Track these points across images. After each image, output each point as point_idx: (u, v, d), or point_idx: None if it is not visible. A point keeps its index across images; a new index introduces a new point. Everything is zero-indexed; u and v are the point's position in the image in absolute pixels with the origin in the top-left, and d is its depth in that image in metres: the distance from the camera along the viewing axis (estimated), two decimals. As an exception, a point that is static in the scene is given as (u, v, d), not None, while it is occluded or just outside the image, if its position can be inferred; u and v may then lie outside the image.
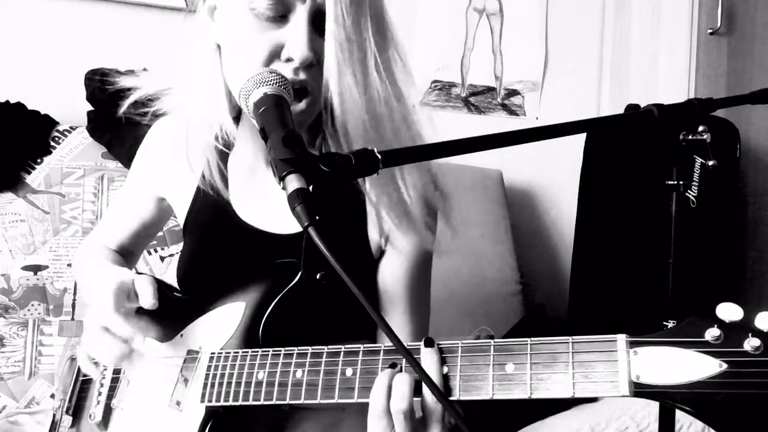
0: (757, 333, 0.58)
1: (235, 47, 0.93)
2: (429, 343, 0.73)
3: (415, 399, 0.73)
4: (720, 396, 0.58)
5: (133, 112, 1.06)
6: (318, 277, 0.91)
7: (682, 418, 1.41)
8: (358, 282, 0.62)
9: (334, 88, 0.88)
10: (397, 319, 1.02)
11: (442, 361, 0.73)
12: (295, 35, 0.87)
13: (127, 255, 1.23)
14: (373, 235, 1.00)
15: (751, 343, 0.58)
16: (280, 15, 0.88)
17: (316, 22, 0.88)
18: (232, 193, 1.06)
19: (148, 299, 0.90)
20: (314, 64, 0.89)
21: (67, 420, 1.09)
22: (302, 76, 0.88)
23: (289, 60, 0.88)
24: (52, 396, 1.68)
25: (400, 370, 0.75)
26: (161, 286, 1.13)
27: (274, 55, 0.89)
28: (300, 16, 0.87)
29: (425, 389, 0.73)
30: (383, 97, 0.91)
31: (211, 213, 1.07)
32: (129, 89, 1.04)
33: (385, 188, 0.95)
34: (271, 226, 1.02)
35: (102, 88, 1.78)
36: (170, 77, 1.04)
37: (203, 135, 1.02)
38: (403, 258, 1.01)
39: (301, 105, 0.90)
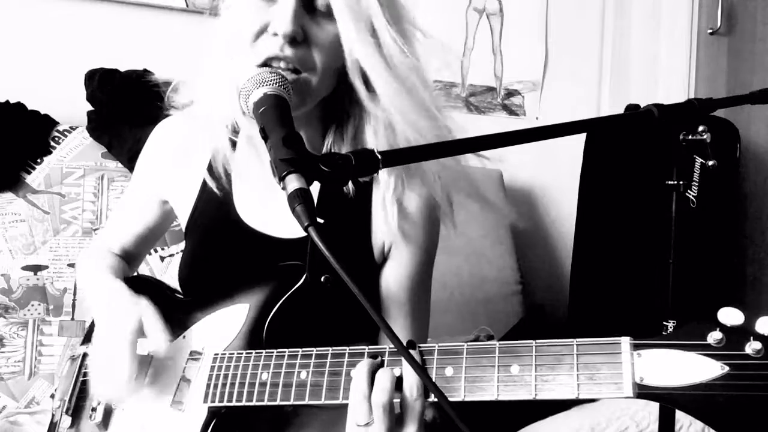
0: (759, 337, 0.59)
1: (231, 30, 0.94)
2: (411, 345, 0.75)
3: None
4: (722, 398, 0.59)
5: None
6: (323, 279, 0.91)
7: (682, 418, 1.41)
8: (360, 284, 0.62)
9: (360, 52, 0.89)
10: (399, 323, 1.03)
11: (425, 362, 0.74)
12: (280, 11, 0.88)
13: (130, 259, 1.22)
14: (377, 240, 1.01)
15: (752, 347, 0.58)
16: None
17: (307, 2, 0.89)
18: (235, 195, 1.06)
19: (159, 345, 0.92)
20: (300, 42, 0.89)
21: (67, 420, 1.09)
22: (288, 52, 0.88)
23: (275, 35, 0.89)
24: (52, 396, 1.68)
25: (381, 363, 0.76)
26: (162, 287, 1.13)
27: (263, 30, 0.90)
28: None
29: (405, 387, 0.74)
30: (404, 64, 0.92)
31: (213, 215, 1.06)
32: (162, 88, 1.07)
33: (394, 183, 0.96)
34: (274, 229, 1.02)
35: (104, 87, 1.79)
36: (185, 77, 1.05)
37: (214, 133, 1.03)
38: (406, 264, 1.02)
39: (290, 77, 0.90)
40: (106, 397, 0.98)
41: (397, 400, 0.75)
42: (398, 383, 0.75)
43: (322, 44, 0.91)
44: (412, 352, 0.74)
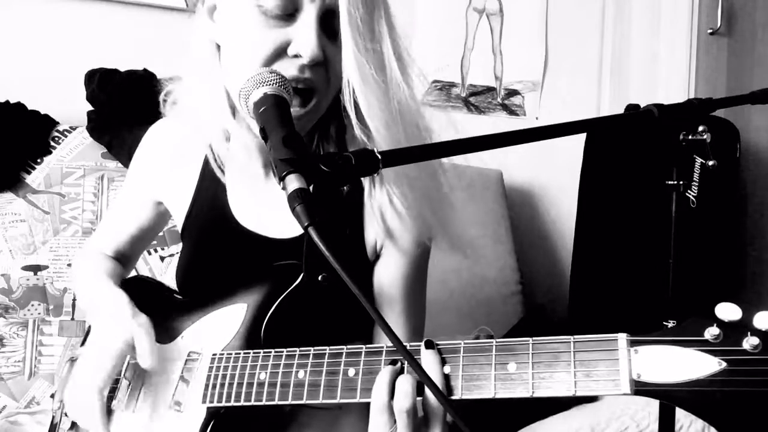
0: (756, 332, 0.59)
1: (239, 45, 0.92)
2: (429, 345, 0.74)
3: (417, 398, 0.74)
4: (719, 394, 0.59)
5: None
6: (320, 278, 0.91)
7: (682, 418, 1.41)
8: (359, 283, 0.62)
9: (358, 83, 0.88)
10: (393, 320, 1.02)
11: (444, 361, 0.73)
12: (304, 32, 0.87)
13: (125, 260, 1.22)
14: (370, 238, 1.00)
15: (750, 342, 0.58)
16: (288, 13, 0.87)
17: (324, 21, 0.88)
18: (230, 197, 1.06)
19: (146, 361, 0.93)
20: (321, 64, 0.89)
21: (67, 422, 1.09)
22: (308, 74, 0.88)
23: (296, 56, 0.87)
24: (52, 396, 1.68)
25: (401, 368, 0.75)
26: (161, 288, 1.13)
27: (281, 51, 0.88)
28: (309, 14, 0.87)
29: (427, 389, 0.73)
30: (403, 89, 0.91)
31: (209, 217, 1.06)
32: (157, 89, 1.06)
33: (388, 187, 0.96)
34: (269, 230, 1.02)
35: (104, 87, 1.79)
36: (173, 78, 1.04)
37: (207, 136, 1.02)
38: (399, 260, 1.01)
39: (308, 107, 0.90)
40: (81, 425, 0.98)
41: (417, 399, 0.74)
42: (419, 383, 0.74)
43: (335, 64, 0.90)
44: (431, 351, 0.74)
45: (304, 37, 0.87)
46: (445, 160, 0.96)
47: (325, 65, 0.89)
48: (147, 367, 0.93)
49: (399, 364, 0.76)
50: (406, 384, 0.73)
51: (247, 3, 0.88)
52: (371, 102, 0.89)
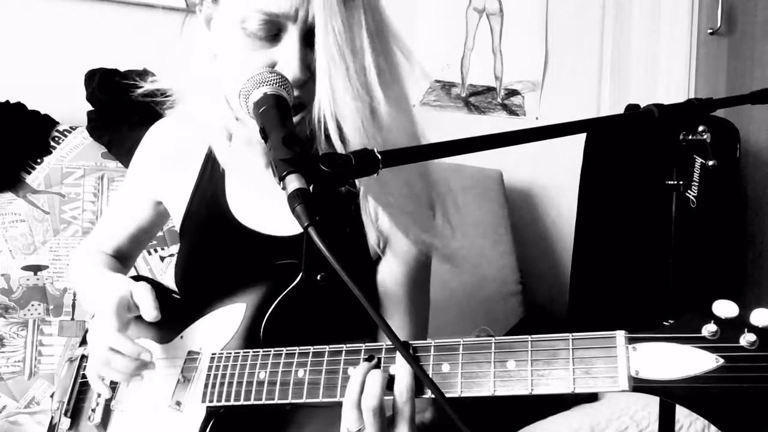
0: (753, 329, 0.59)
1: (228, 62, 0.92)
2: (404, 345, 0.73)
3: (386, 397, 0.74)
4: (717, 390, 0.59)
5: (149, 100, 1.06)
6: (319, 278, 0.91)
7: (681, 418, 1.41)
8: (359, 283, 0.62)
9: (327, 105, 0.87)
10: (398, 320, 1.02)
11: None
12: (287, 56, 0.87)
13: (123, 259, 1.23)
14: (371, 238, 1.00)
15: (746, 339, 0.59)
16: (272, 34, 0.87)
17: (309, 38, 0.87)
18: (229, 195, 1.06)
19: (149, 312, 0.91)
20: (307, 81, 0.88)
21: (66, 422, 1.09)
22: (295, 93, 0.87)
23: None
24: (52, 396, 1.68)
25: (377, 363, 0.76)
26: (160, 288, 1.14)
27: None
28: (292, 36, 0.87)
29: (396, 390, 0.74)
30: (384, 102, 0.90)
31: (207, 215, 1.06)
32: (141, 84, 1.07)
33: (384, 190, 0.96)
34: (268, 228, 1.02)
35: (104, 87, 1.79)
36: (174, 80, 1.04)
37: (210, 133, 1.03)
38: (402, 260, 1.01)
39: (296, 118, 0.89)
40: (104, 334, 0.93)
41: (389, 398, 0.75)
42: (391, 382, 0.75)
43: None
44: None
45: (286, 60, 0.87)
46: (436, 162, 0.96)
47: (312, 78, 0.89)
48: (151, 318, 0.91)
49: (375, 360, 0.77)
50: (374, 384, 0.74)
51: (233, 24, 0.88)
52: (354, 125, 0.88)
